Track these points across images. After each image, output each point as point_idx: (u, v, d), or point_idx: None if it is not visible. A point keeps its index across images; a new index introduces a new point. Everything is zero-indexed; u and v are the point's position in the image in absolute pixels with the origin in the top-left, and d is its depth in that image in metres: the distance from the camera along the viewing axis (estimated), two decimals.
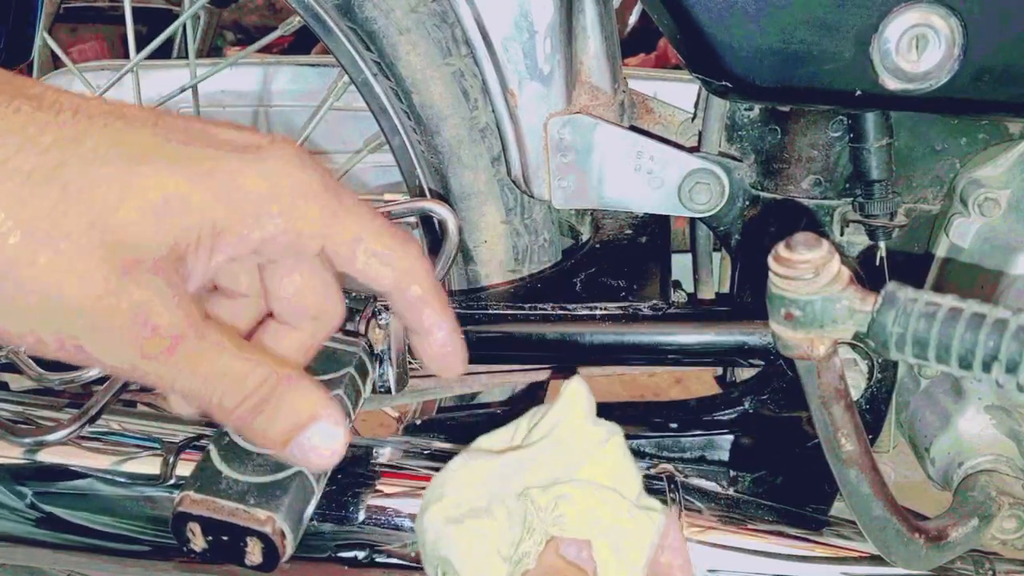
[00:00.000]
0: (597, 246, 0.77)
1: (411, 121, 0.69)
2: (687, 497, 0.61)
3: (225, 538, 0.42)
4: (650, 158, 0.66)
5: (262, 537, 0.41)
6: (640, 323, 0.66)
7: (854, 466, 0.45)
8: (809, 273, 0.38)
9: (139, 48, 0.90)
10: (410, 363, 0.55)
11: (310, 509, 0.45)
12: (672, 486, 0.61)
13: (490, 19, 0.62)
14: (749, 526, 0.60)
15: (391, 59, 0.65)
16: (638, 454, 0.70)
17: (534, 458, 0.45)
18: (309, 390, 0.38)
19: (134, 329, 0.34)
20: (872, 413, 0.68)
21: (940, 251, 0.65)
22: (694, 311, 0.71)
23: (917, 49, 0.54)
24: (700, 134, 0.70)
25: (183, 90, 0.94)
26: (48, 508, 0.61)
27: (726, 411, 0.70)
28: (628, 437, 0.70)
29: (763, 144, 0.67)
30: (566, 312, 0.66)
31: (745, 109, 0.67)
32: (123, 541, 0.61)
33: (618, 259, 0.74)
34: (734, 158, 0.68)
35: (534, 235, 0.74)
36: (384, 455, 0.60)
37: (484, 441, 0.47)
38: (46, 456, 0.61)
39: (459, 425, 0.73)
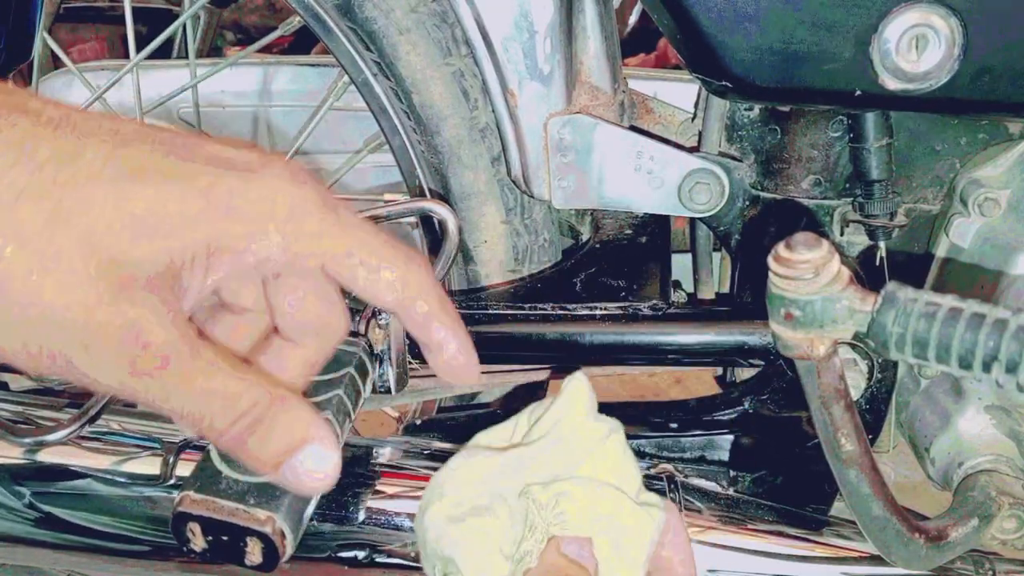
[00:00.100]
0: (597, 246, 0.77)
1: (411, 121, 0.69)
2: (687, 497, 0.61)
3: (225, 538, 0.42)
4: (650, 158, 0.66)
5: (262, 537, 0.41)
6: (640, 323, 0.66)
7: (854, 466, 0.45)
8: (809, 273, 0.38)
9: (139, 48, 0.90)
10: (410, 363, 0.55)
11: (310, 509, 0.45)
12: (672, 486, 0.61)
13: (490, 19, 0.62)
14: (749, 526, 0.60)
15: (391, 59, 0.65)
16: (638, 454, 0.70)
17: (535, 456, 0.45)
18: (302, 412, 0.37)
19: (126, 346, 0.34)
20: (872, 413, 0.68)
21: (940, 251, 0.65)
22: (694, 311, 0.71)
23: (917, 49, 0.54)
24: (700, 134, 0.70)
25: (183, 90, 0.94)
26: (48, 508, 0.61)
27: (726, 411, 0.70)
28: (628, 437, 0.70)
29: (763, 144, 0.67)
30: (566, 312, 0.66)
31: (745, 109, 0.67)
32: (123, 541, 0.61)
33: (618, 259, 0.74)
34: (734, 158, 0.68)
35: (534, 235, 0.74)
36: (384, 455, 0.60)
37: (483, 438, 0.47)
38: (46, 456, 0.61)
39: (459, 425, 0.73)
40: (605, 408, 0.71)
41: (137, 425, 0.62)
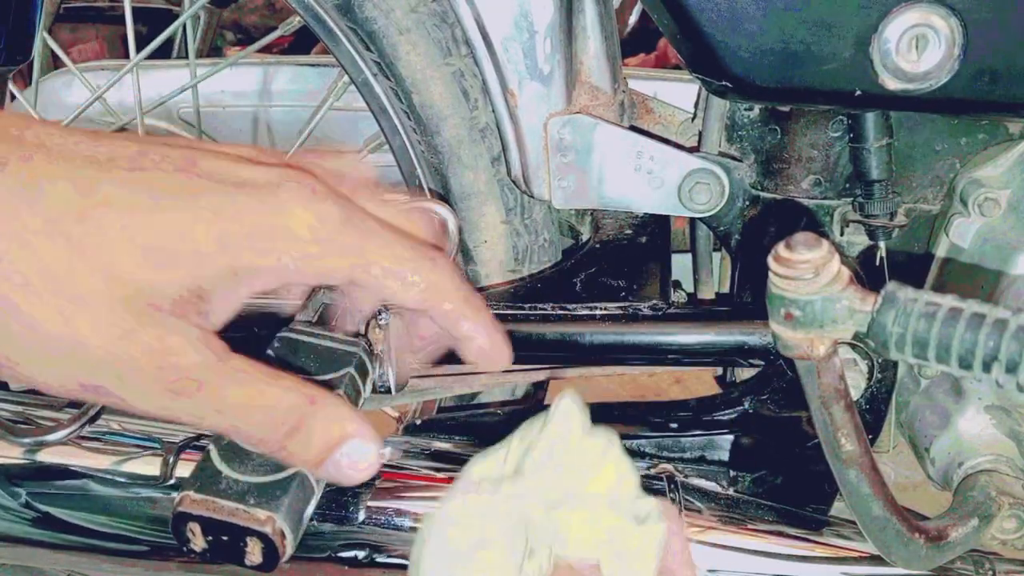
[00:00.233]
0: (597, 246, 0.77)
1: (411, 121, 0.69)
2: (687, 497, 0.61)
3: (225, 538, 0.42)
4: (650, 158, 0.66)
5: (262, 537, 0.41)
6: (640, 323, 0.66)
7: (854, 466, 0.45)
8: (809, 273, 0.38)
9: (139, 48, 0.90)
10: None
11: (310, 509, 0.45)
12: (672, 486, 0.61)
13: (490, 19, 0.62)
14: (749, 526, 0.60)
15: (391, 59, 0.65)
16: (638, 454, 0.70)
17: (534, 487, 0.45)
18: (338, 410, 0.38)
19: (160, 373, 0.34)
20: (872, 413, 0.68)
21: (940, 251, 0.65)
22: (694, 311, 0.71)
23: (917, 49, 0.54)
24: (700, 134, 0.70)
25: (183, 90, 0.94)
26: (47, 508, 0.61)
27: (726, 411, 0.70)
28: (628, 437, 0.70)
29: (763, 144, 0.67)
30: (566, 312, 0.66)
31: (745, 109, 0.67)
32: (123, 541, 0.61)
33: (618, 259, 0.74)
34: (734, 158, 0.68)
35: (534, 235, 0.74)
36: (384, 455, 0.60)
37: (476, 468, 0.47)
38: (46, 456, 0.61)
39: (459, 425, 0.73)
40: (605, 408, 0.71)
41: (137, 425, 0.62)
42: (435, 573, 0.44)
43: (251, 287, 0.37)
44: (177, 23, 0.94)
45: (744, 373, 0.75)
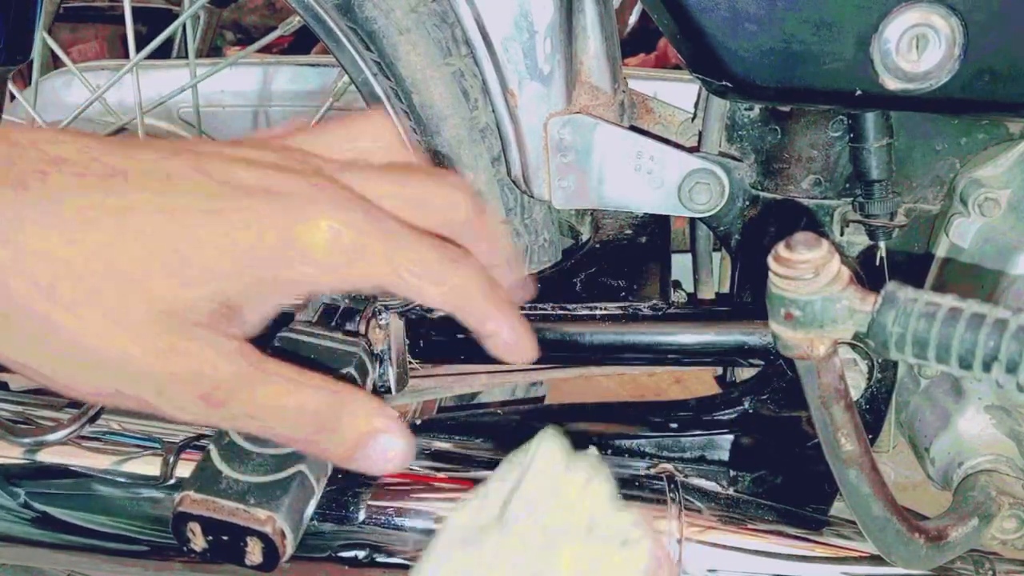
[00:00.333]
0: (597, 246, 0.77)
1: (411, 121, 0.69)
2: (687, 497, 0.61)
3: (225, 538, 0.42)
4: (650, 158, 0.66)
5: (262, 537, 0.41)
6: (640, 323, 0.66)
7: (854, 466, 0.45)
8: (809, 273, 0.38)
9: (139, 48, 0.90)
10: (410, 363, 0.55)
11: (310, 509, 0.45)
12: (672, 486, 0.61)
13: (490, 19, 0.62)
14: (749, 526, 0.60)
15: (391, 59, 0.65)
16: (638, 454, 0.70)
17: (520, 535, 0.44)
18: (366, 405, 0.39)
19: (197, 385, 0.36)
20: (872, 413, 0.68)
21: (940, 251, 0.65)
22: (694, 311, 0.71)
23: (917, 49, 0.54)
24: (700, 134, 0.70)
25: (183, 90, 0.94)
26: (47, 508, 0.61)
27: (726, 411, 0.70)
28: (628, 437, 0.70)
29: (763, 144, 0.67)
30: (566, 312, 0.66)
31: (745, 109, 0.67)
32: (123, 541, 0.61)
33: (618, 259, 0.74)
34: (734, 158, 0.68)
35: (534, 235, 0.74)
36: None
37: (458, 517, 0.47)
38: (46, 456, 0.61)
39: (459, 425, 0.73)
40: (605, 408, 0.71)
41: (137, 425, 0.62)
42: None
43: (281, 297, 0.38)
44: (177, 23, 0.94)
45: (744, 373, 0.75)
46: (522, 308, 0.67)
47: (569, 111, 0.65)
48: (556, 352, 0.67)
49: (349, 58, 0.68)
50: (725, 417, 0.70)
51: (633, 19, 1.79)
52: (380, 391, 0.53)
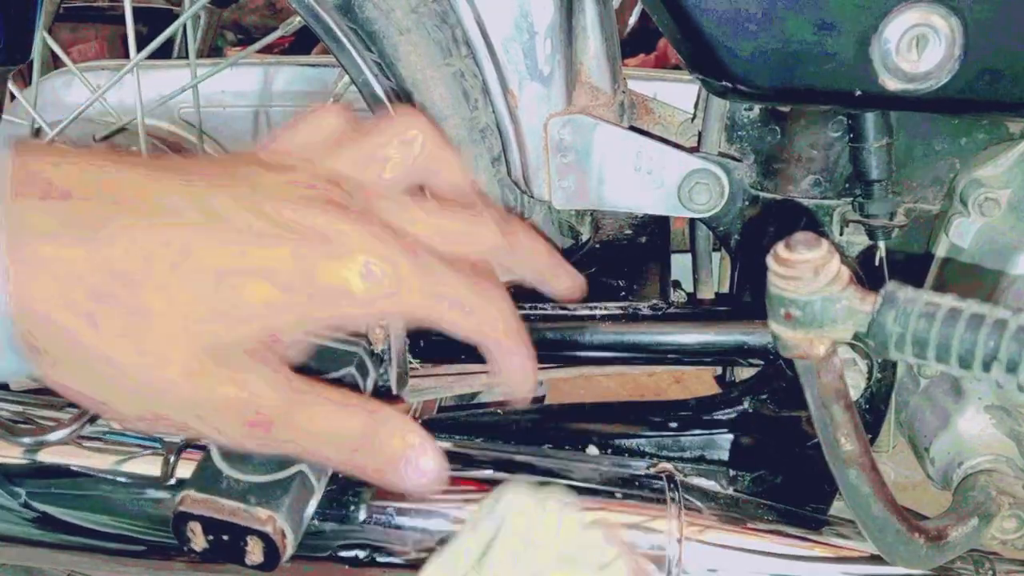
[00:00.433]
0: (597, 246, 0.77)
1: None
2: (687, 496, 0.61)
3: (226, 538, 0.42)
4: (650, 158, 0.66)
5: (263, 537, 0.41)
6: (640, 323, 0.66)
7: (854, 466, 0.45)
8: (809, 273, 0.38)
9: (139, 48, 0.90)
10: (410, 363, 0.55)
11: (311, 509, 0.45)
12: (672, 485, 0.61)
13: (490, 19, 0.62)
14: (749, 526, 0.60)
15: (391, 59, 0.65)
16: (638, 454, 0.70)
17: None
18: (403, 424, 0.41)
19: (240, 414, 0.37)
20: (872, 413, 0.68)
21: (940, 251, 0.65)
22: (694, 311, 0.71)
23: (917, 49, 0.54)
24: (700, 134, 0.70)
25: (183, 90, 0.94)
26: (48, 508, 0.61)
27: (726, 411, 0.70)
28: (628, 437, 0.70)
29: (763, 144, 0.67)
30: (566, 312, 0.66)
31: (745, 109, 0.67)
32: (123, 541, 0.61)
33: (618, 259, 0.74)
34: (734, 158, 0.68)
35: None
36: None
37: (434, 570, 0.47)
38: (46, 456, 0.61)
39: (459, 425, 0.73)
40: (605, 408, 0.71)
41: None
42: None
43: (321, 330, 0.41)
44: (177, 23, 0.94)
45: (744, 373, 0.75)
46: (522, 308, 0.67)
47: (569, 111, 0.65)
48: (556, 352, 0.67)
49: (349, 58, 0.68)
50: (725, 417, 0.70)
51: (633, 19, 1.79)
52: (380, 391, 0.53)
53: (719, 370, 0.87)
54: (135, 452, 0.60)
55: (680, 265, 0.81)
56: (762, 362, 0.67)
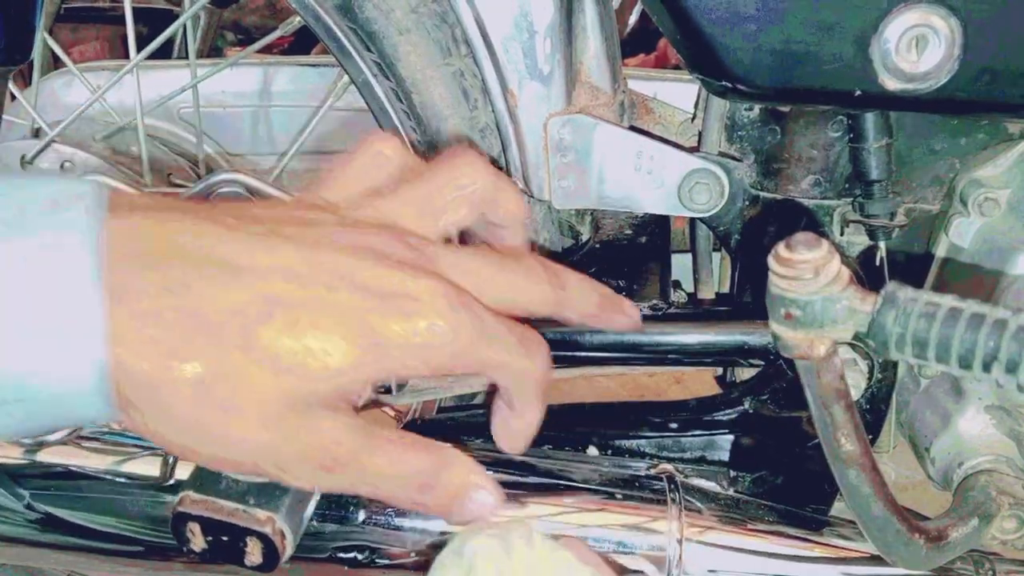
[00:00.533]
0: (597, 246, 0.77)
1: (411, 121, 0.69)
2: (687, 497, 0.61)
3: (225, 538, 0.42)
4: (650, 158, 0.66)
5: (262, 537, 0.41)
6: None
7: (854, 466, 0.45)
8: (809, 273, 0.38)
9: (139, 48, 0.90)
10: None
11: (310, 509, 0.45)
12: (672, 486, 0.61)
13: (490, 19, 0.62)
14: (749, 526, 0.60)
15: (391, 59, 0.65)
16: (638, 454, 0.70)
17: None
18: (465, 465, 0.43)
19: (316, 460, 0.39)
20: (872, 413, 0.68)
21: (940, 251, 0.65)
22: (694, 311, 0.71)
23: (917, 49, 0.54)
24: (700, 134, 0.70)
25: (183, 90, 0.94)
26: (47, 508, 0.61)
27: (726, 411, 0.70)
28: (628, 437, 0.70)
29: (763, 144, 0.67)
30: None
31: (745, 109, 0.67)
32: (123, 541, 0.61)
33: (618, 259, 0.74)
34: (734, 158, 0.68)
35: (534, 235, 0.74)
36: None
37: None
38: (46, 456, 0.61)
39: (459, 425, 0.72)
40: (605, 408, 0.71)
41: None
42: None
43: (383, 381, 0.46)
44: (177, 23, 0.94)
45: (744, 373, 0.75)
46: None
47: (569, 111, 0.65)
48: (556, 352, 0.66)
49: (349, 58, 0.68)
50: (725, 417, 0.70)
51: (633, 19, 1.79)
52: (380, 391, 0.53)
53: (719, 371, 0.87)
54: (134, 453, 0.60)
55: (680, 265, 0.81)
56: (763, 362, 0.67)
